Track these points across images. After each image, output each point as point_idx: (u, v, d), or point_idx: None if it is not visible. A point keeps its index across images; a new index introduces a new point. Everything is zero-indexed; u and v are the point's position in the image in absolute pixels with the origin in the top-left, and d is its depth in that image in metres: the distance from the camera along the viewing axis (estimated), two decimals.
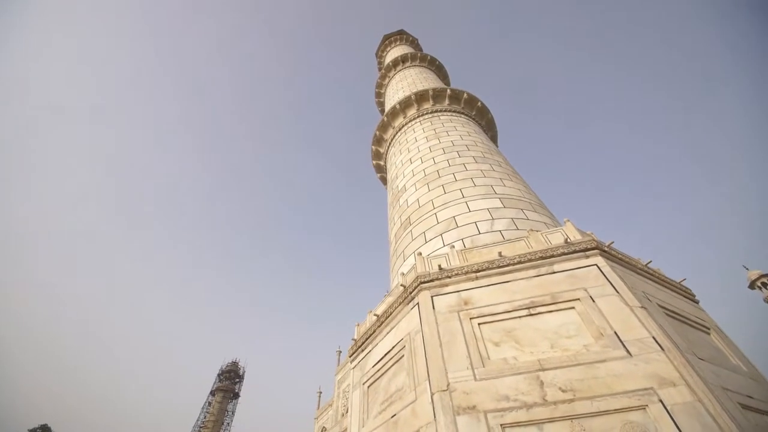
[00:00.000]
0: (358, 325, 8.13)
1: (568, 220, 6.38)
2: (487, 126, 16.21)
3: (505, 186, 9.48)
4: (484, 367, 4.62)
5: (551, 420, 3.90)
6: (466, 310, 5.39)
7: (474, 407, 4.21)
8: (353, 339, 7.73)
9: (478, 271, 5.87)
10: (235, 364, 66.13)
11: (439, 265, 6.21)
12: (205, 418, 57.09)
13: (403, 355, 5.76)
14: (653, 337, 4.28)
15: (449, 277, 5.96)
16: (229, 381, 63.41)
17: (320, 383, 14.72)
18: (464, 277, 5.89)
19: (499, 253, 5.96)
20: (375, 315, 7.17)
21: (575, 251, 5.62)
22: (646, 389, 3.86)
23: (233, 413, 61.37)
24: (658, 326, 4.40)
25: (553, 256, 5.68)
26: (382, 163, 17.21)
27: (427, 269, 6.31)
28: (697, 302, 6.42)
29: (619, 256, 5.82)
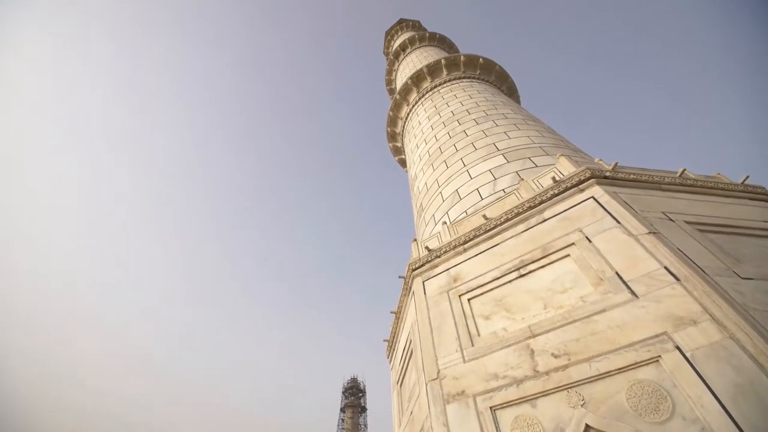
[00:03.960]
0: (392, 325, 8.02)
1: (562, 155, 5.38)
2: (498, 80, 14.67)
3: (510, 138, 8.44)
4: (473, 346, 4.14)
5: (545, 393, 3.30)
6: (456, 287, 4.92)
7: (463, 392, 3.79)
8: (385, 340, 7.63)
9: (465, 242, 5.32)
10: (354, 380, 70.20)
11: (427, 247, 5.80)
12: None
13: (412, 350, 5.49)
14: (665, 267, 3.31)
15: (438, 257, 5.52)
16: (354, 396, 67.60)
17: None
18: (453, 252, 5.39)
19: (484, 216, 5.32)
20: (392, 313, 6.99)
21: (567, 188, 4.70)
22: (657, 336, 3.00)
23: (365, 426, 65.15)
24: (671, 252, 3.39)
25: (542, 201, 4.84)
26: (404, 156, 16.88)
27: (419, 254, 5.94)
28: None
29: (632, 176, 4.67)
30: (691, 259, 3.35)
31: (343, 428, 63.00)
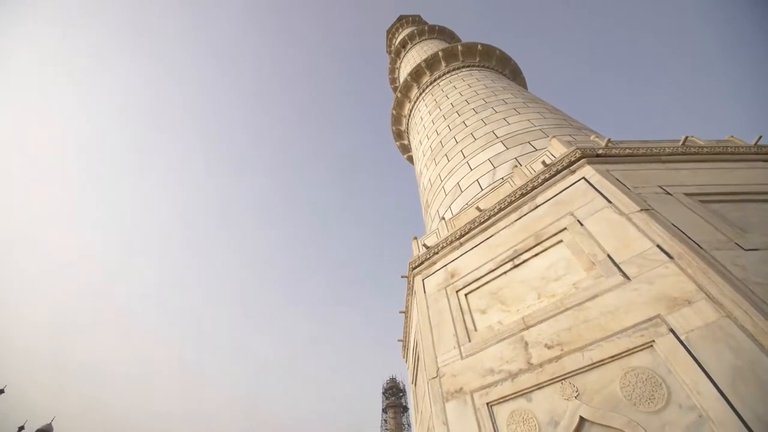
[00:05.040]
0: None
1: (554, 137, 5.16)
2: (500, 65, 14.22)
3: (509, 124, 8.19)
4: (470, 341, 4.07)
5: (539, 386, 3.20)
6: (453, 283, 4.85)
7: (461, 389, 3.75)
8: (399, 341, 7.63)
9: (461, 236, 5.23)
10: (393, 380, 70.18)
11: (425, 244, 5.76)
12: None
13: (418, 351, 5.47)
14: (658, 245, 3.11)
15: (436, 254, 5.46)
16: (395, 396, 67.73)
17: None
18: (449, 248, 5.31)
19: (477, 208, 5.21)
20: (401, 312, 6.99)
21: (558, 171, 4.51)
22: (650, 319, 2.83)
23: (409, 425, 65.11)
24: (664, 229, 3.17)
25: (534, 187, 4.67)
26: (412, 154, 16.76)
27: (419, 252, 5.91)
28: None
29: (627, 150, 4.40)
30: (686, 235, 3.12)
31: (386, 429, 63.33)
